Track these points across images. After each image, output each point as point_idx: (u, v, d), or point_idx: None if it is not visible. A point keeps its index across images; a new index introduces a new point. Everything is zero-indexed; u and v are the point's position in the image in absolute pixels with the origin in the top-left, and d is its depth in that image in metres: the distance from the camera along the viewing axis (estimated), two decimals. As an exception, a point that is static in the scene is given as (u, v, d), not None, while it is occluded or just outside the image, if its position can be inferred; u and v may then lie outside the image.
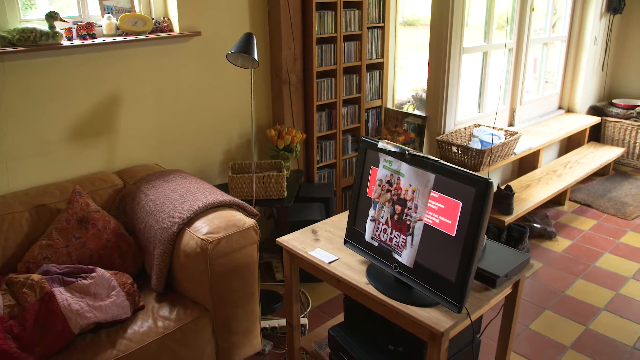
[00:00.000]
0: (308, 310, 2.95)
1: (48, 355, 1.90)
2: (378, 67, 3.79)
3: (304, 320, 2.75)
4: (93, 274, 2.10)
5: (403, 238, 1.73)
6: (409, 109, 4.21)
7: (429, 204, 1.65)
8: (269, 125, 3.47)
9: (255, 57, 2.61)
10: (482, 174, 3.50)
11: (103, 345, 1.98)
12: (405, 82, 4.39)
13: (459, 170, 1.56)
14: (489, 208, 1.52)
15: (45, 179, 2.59)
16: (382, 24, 3.69)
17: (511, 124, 4.41)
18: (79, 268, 2.13)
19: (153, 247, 2.30)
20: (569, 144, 4.96)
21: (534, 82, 4.81)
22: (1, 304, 1.96)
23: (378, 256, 1.84)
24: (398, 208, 1.75)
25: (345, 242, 2.01)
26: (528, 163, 4.33)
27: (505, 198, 3.40)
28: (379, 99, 3.85)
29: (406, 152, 1.72)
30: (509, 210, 3.41)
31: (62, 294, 1.99)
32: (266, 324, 2.75)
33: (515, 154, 3.72)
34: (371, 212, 1.86)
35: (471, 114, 4.01)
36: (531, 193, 3.79)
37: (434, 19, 3.48)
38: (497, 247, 1.98)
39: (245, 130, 3.34)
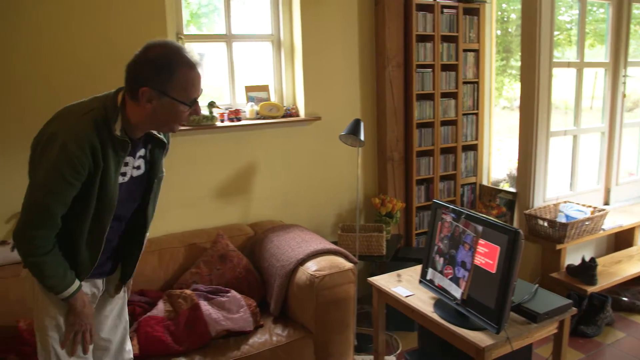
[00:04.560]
0: (397, 352, 3.41)
1: (191, 349, 2.57)
2: (473, 148, 4.32)
3: (392, 359, 3.22)
4: (229, 294, 2.79)
5: (460, 276, 2.23)
6: (504, 186, 4.64)
7: (478, 249, 2.15)
8: (375, 194, 4.09)
9: (362, 138, 3.28)
10: (568, 246, 3.84)
11: (230, 347, 2.62)
12: (502, 162, 4.85)
13: (497, 222, 2.08)
14: (520, 251, 2.01)
15: (196, 225, 3.38)
16: (477, 111, 4.26)
17: (607, 203, 4.65)
18: (218, 289, 2.83)
19: (274, 280, 2.95)
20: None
21: (634, 163, 5.01)
22: (163, 309, 2.70)
23: (442, 292, 2.34)
24: (458, 253, 2.26)
25: (420, 281, 2.53)
26: (624, 241, 4.52)
27: (588, 269, 3.69)
28: (474, 176, 4.36)
29: (463, 211, 2.26)
30: (592, 281, 3.68)
31: (205, 306, 2.68)
32: (360, 358, 3.25)
33: (603, 230, 4.01)
34: (439, 256, 2.38)
35: (563, 192, 4.35)
36: (621, 267, 4.01)
37: (522, 104, 3.98)
38: (546, 294, 2.40)
39: (353, 198, 3.99)
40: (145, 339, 2.54)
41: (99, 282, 2.00)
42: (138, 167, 1.88)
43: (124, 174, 1.81)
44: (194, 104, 1.72)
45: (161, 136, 1.91)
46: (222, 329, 2.63)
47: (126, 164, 1.81)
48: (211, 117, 3.28)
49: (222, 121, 3.39)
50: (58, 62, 2.90)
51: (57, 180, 1.62)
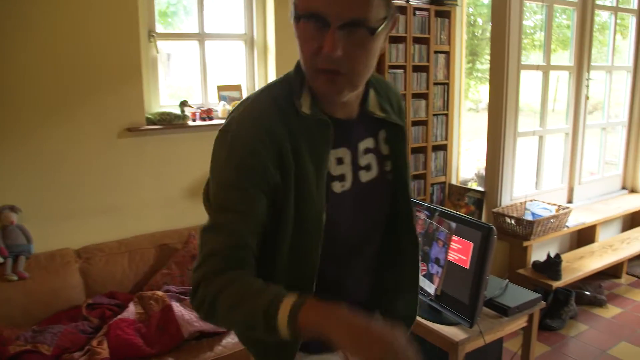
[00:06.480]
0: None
1: (164, 351, 2.55)
2: (443, 148, 4.39)
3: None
4: (201, 295, 2.78)
5: (434, 272, 2.27)
6: (472, 185, 4.73)
7: (451, 246, 2.20)
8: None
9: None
10: (534, 243, 3.94)
11: (203, 348, 2.61)
12: (471, 161, 4.95)
13: (471, 219, 2.13)
14: (493, 247, 2.06)
15: (167, 225, 3.35)
16: (446, 112, 4.33)
17: (570, 201, 4.78)
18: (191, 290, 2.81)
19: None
20: (633, 223, 5.20)
21: (595, 163, 5.16)
22: (134, 311, 2.67)
23: (415, 288, 2.38)
24: (431, 249, 2.30)
25: (392, 279, 2.56)
26: (586, 238, 4.65)
27: (553, 265, 3.79)
28: (443, 175, 4.43)
29: (437, 209, 2.30)
30: (556, 276, 3.78)
31: (177, 307, 2.66)
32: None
33: (567, 227, 4.12)
34: (411, 254, 2.42)
35: (529, 191, 4.46)
36: (583, 263, 4.13)
37: (490, 105, 4.06)
38: (516, 289, 2.46)
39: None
40: (116, 342, 2.50)
41: None
42: (367, 167, 1.27)
43: (341, 178, 1.22)
44: (307, 18, 1.05)
45: (394, 119, 1.29)
46: (194, 330, 2.62)
47: (340, 161, 1.22)
48: (182, 116, 3.26)
49: (194, 120, 3.37)
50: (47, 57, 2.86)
51: (231, 196, 1.13)
